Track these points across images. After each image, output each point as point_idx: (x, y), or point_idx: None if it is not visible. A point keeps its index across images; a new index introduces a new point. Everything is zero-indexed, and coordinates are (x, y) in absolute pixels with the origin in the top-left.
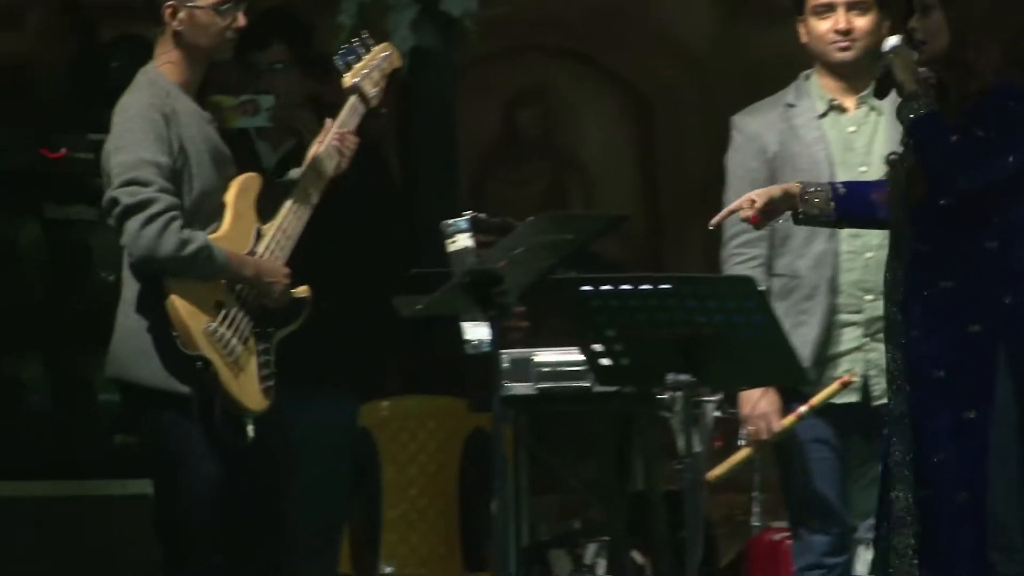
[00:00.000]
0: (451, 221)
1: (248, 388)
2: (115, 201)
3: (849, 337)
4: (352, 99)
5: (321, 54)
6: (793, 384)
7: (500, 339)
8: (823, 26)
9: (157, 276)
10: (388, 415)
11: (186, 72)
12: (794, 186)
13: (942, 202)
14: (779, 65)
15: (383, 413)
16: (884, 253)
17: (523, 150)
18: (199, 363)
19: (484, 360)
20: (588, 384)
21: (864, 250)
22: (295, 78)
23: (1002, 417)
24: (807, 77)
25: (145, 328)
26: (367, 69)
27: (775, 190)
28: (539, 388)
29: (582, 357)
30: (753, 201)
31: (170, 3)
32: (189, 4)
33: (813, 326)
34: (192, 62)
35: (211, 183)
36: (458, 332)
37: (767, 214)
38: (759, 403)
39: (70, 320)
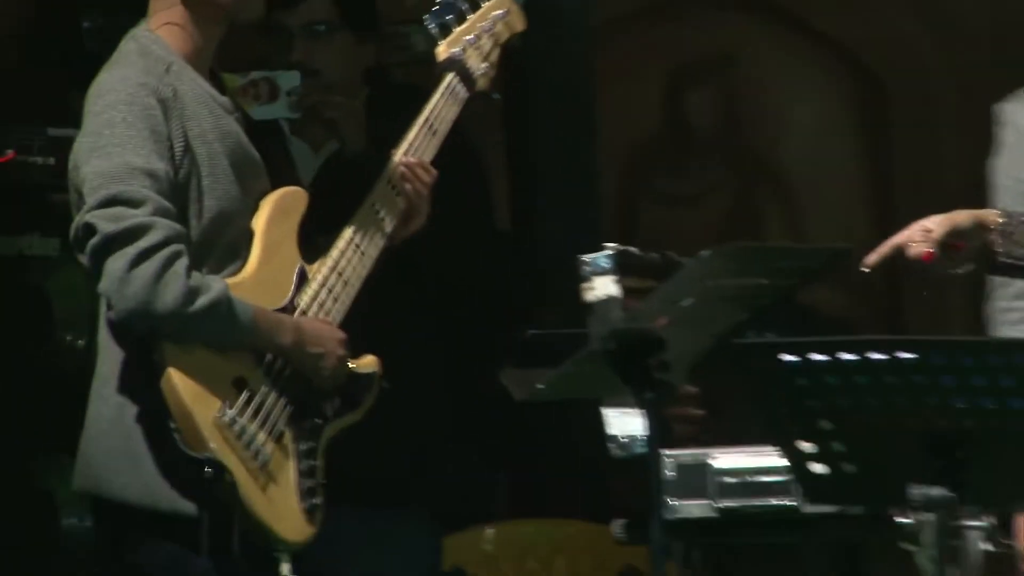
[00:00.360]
0: (588, 258)
1: (282, 508)
2: (90, 228)
3: None
4: (449, 78)
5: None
6: None
7: (662, 435)
8: None
9: (149, 341)
10: (493, 548)
11: (195, 37)
12: (991, 215)
13: None
14: None
15: (486, 546)
16: None
17: (694, 151)
18: (208, 470)
19: (637, 466)
20: (793, 502)
21: None
22: (342, 45)
23: None
24: None
25: (131, 418)
26: (472, 35)
27: (962, 217)
28: (719, 507)
29: (784, 462)
30: (928, 231)
31: None
32: None
33: None
34: (204, 23)
35: (232, 201)
36: (598, 424)
37: (950, 251)
38: None
39: (19, 403)
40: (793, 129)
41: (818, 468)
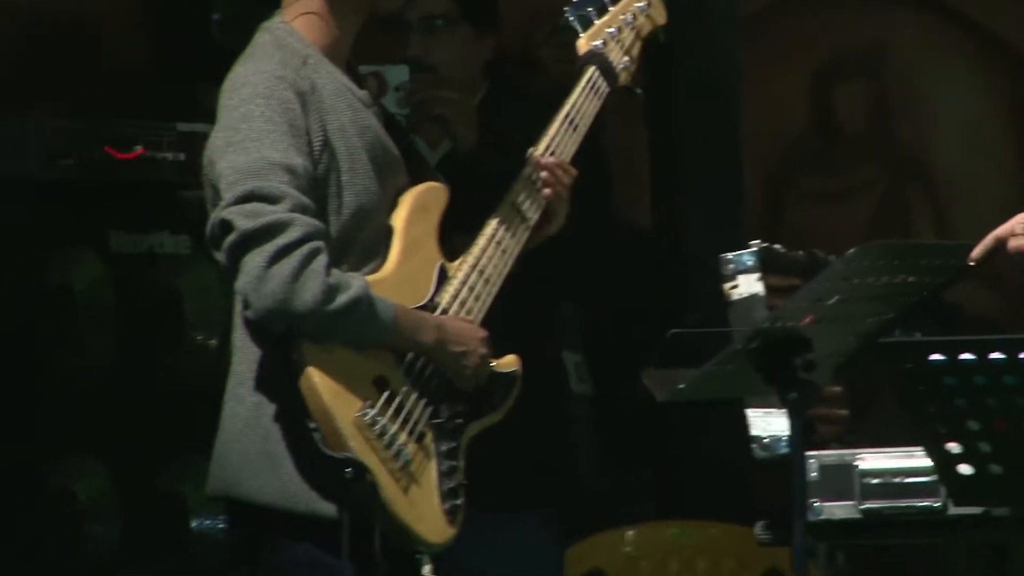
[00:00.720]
0: (731, 256)
1: (424, 509)
2: (227, 225)
3: None
4: (590, 72)
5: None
6: None
7: (806, 435)
8: None
9: (288, 340)
10: (634, 551)
11: (333, 29)
12: None
13: None
14: None
15: (626, 548)
16: None
17: (842, 147)
18: (349, 470)
19: (780, 467)
20: (940, 503)
21: None
22: (460, 40)
23: None
24: None
25: (268, 418)
26: (614, 27)
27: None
28: (864, 509)
29: (930, 463)
30: None
31: None
32: None
33: None
34: (343, 14)
35: (372, 197)
36: (741, 425)
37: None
38: None
39: (147, 405)
40: (945, 124)
41: (965, 469)
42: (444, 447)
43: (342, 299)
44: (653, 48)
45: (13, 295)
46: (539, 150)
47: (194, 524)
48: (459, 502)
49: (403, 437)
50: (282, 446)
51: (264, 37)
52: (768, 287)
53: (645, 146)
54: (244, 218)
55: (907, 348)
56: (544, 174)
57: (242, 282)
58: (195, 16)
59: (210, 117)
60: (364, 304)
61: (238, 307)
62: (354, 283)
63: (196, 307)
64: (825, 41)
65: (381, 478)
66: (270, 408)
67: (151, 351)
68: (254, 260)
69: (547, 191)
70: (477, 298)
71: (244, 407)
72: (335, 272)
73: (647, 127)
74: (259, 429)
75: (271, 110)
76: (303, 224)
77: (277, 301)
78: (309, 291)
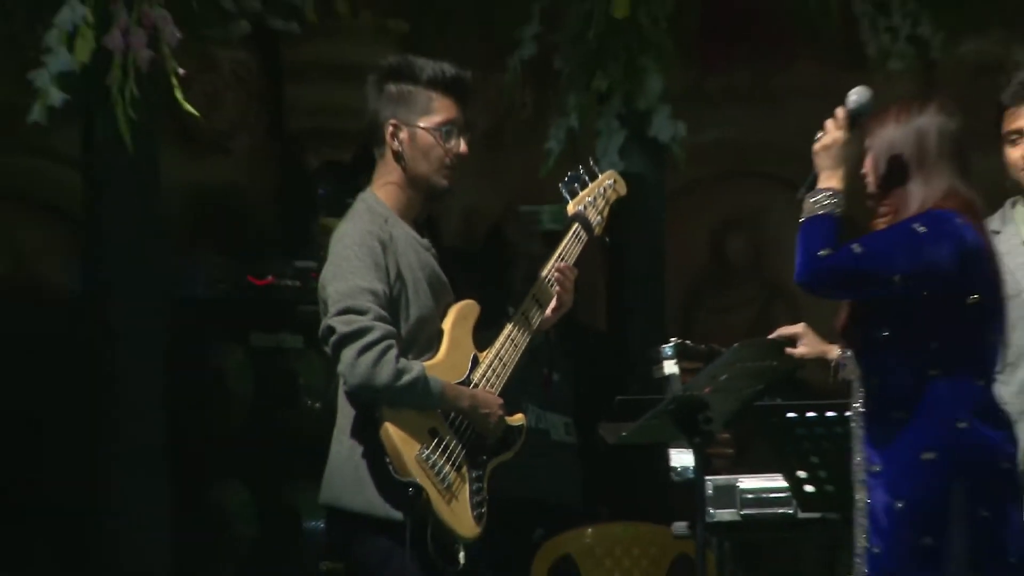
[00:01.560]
0: (659, 348)
1: (461, 514)
2: (331, 329)
3: None
4: (575, 226)
5: None
6: None
7: (705, 466)
8: (1014, 154)
9: (372, 405)
10: (592, 542)
11: (404, 198)
12: (833, 354)
13: (879, 334)
14: (988, 190)
15: (587, 540)
16: None
17: (732, 277)
18: (411, 490)
19: (688, 487)
20: (792, 511)
21: None
22: None
23: (959, 542)
24: (1013, 204)
25: (359, 455)
26: (591, 197)
27: (814, 351)
28: (743, 515)
29: (786, 483)
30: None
31: (392, 120)
32: (411, 124)
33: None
34: (411, 187)
35: (428, 310)
36: (664, 459)
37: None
38: None
39: (276, 447)
40: None
41: (809, 488)
42: (474, 474)
43: (407, 378)
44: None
45: (188, 374)
46: (551, 262)
47: (304, 525)
48: (484, 510)
49: (447, 468)
50: (367, 473)
51: (360, 204)
52: (681, 369)
53: (603, 276)
54: (342, 324)
55: (772, 409)
56: (557, 274)
57: (341, 367)
58: (308, 190)
59: (315, 254)
60: (422, 382)
61: (340, 384)
62: (415, 367)
63: (308, 383)
64: (722, 206)
65: (432, 495)
66: (359, 449)
67: (278, 411)
68: (348, 353)
69: (557, 288)
70: (498, 377)
71: (343, 448)
72: (403, 360)
73: (605, 264)
74: (352, 461)
75: (362, 253)
76: (381, 329)
77: (364, 380)
78: (385, 372)
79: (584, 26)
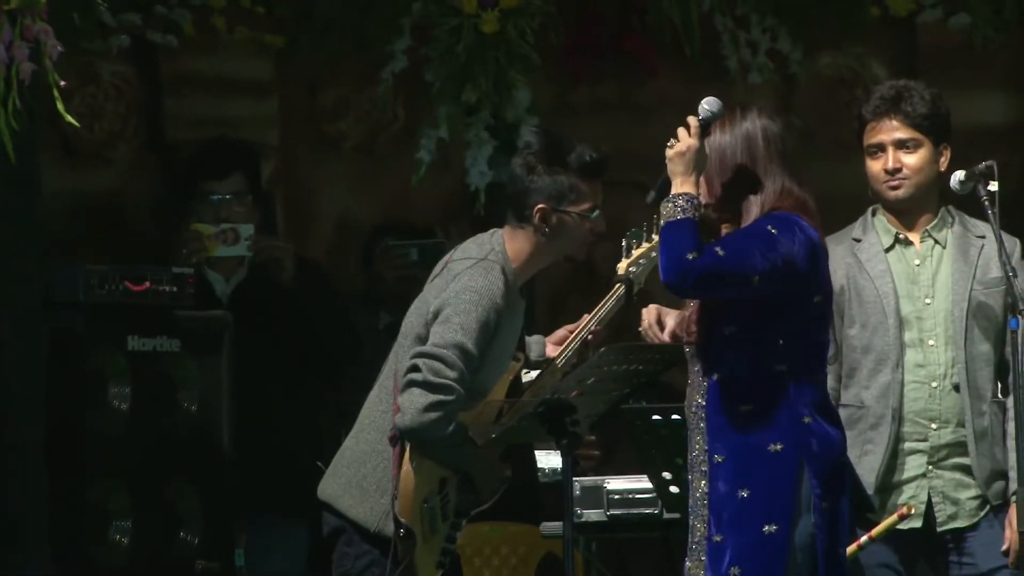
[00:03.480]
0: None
1: (428, 562)
2: (416, 368)
3: (913, 464)
4: (618, 287)
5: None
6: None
7: (572, 467)
8: (876, 166)
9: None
10: (462, 541)
11: (529, 266)
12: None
13: (727, 330)
14: (848, 198)
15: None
16: (949, 383)
17: (597, 283)
18: (403, 531)
19: (556, 487)
20: (657, 511)
21: (929, 379)
22: (249, 208)
23: (802, 530)
24: (874, 212)
25: (373, 470)
26: (644, 260)
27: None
28: (610, 515)
29: (651, 484)
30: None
31: (542, 205)
32: (562, 208)
33: (878, 454)
34: (541, 259)
35: (499, 373)
36: (532, 460)
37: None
38: None
39: (154, 448)
40: None
41: (674, 488)
42: (452, 530)
43: (457, 439)
44: (475, 218)
45: (65, 378)
46: (587, 323)
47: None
48: (447, 559)
49: (439, 520)
50: (373, 488)
51: (495, 261)
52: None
53: None
54: (428, 371)
55: (638, 411)
56: (591, 337)
57: (405, 404)
58: (181, 201)
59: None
60: (467, 446)
61: (379, 387)
62: (464, 430)
63: (184, 386)
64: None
65: (418, 541)
66: (377, 465)
67: (155, 414)
68: (421, 400)
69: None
70: None
71: (361, 456)
72: (457, 423)
73: None
74: (363, 469)
75: (480, 315)
76: (458, 392)
77: (422, 429)
78: (441, 430)
79: (454, 40)
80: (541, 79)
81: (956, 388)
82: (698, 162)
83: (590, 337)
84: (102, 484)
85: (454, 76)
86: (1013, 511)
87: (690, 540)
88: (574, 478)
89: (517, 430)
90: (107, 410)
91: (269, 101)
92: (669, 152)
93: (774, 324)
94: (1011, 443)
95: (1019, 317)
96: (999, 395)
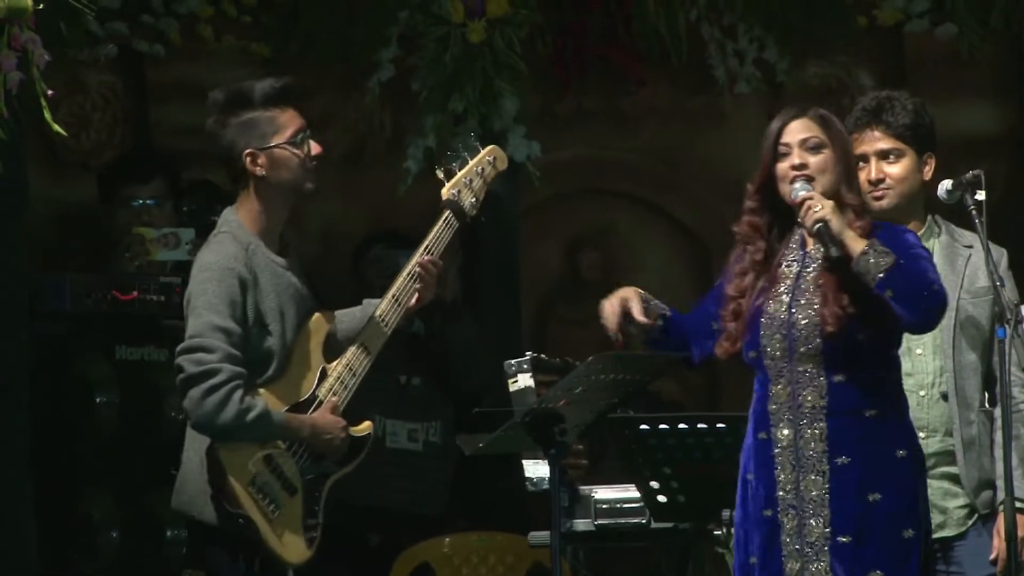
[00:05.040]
0: (513, 361)
1: (291, 541)
2: (180, 368)
3: None
4: (447, 214)
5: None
6: None
7: (560, 476)
8: (860, 177)
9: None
10: (449, 551)
11: (268, 221)
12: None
13: (860, 337)
14: None
15: (444, 549)
16: (937, 392)
17: (584, 291)
18: (240, 520)
19: (544, 497)
20: (645, 521)
21: (917, 388)
22: (169, 213)
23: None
24: None
25: (198, 471)
26: (468, 178)
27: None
28: (597, 524)
29: (639, 494)
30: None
31: (248, 150)
32: (266, 146)
33: None
34: (275, 207)
35: (292, 334)
36: (519, 469)
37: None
38: None
39: (141, 457)
40: (649, 278)
41: (661, 498)
42: (309, 495)
43: (251, 416)
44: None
45: (53, 384)
46: (416, 255)
47: (169, 533)
48: (316, 534)
49: (281, 492)
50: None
51: (224, 230)
52: (537, 382)
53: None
54: (191, 365)
55: (625, 421)
56: (419, 270)
57: (186, 404)
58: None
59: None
60: (265, 418)
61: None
62: (258, 404)
63: (171, 395)
64: (574, 223)
65: (261, 525)
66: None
67: (142, 422)
68: (195, 393)
69: (419, 284)
70: (346, 388)
71: (192, 461)
72: (247, 399)
73: (460, 280)
74: (200, 474)
75: (220, 290)
76: (228, 370)
77: (208, 419)
78: (229, 413)
79: (441, 50)
80: (528, 88)
81: (944, 397)
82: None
83: (418, 269)
84: (89, 493)
85: (441, 85)
86: (1001, 520)
87: (792, 540)
88: (562, 488)
89: (505, 439)
90: (94, 419)
91: None
92: (819, 215)
93: (892, 336)
94: (999, 452)
95: (1006, 326)
96: (987, 404)
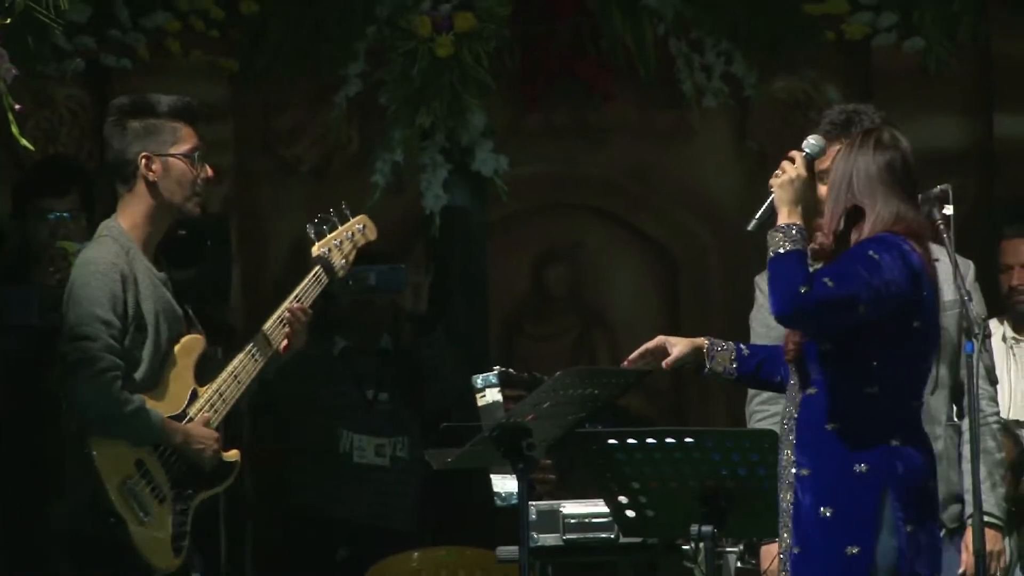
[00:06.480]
0: (481, 376)
1: (160, 547)
2: (64, 355)
3: None
4: (316, 269)
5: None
6: None
7: (528, 491)
8: (823, 190)
9: (81, 435)
10: (418, 566)
11: (148, 230)
12: (702, 341)
13: (823, 348)
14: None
15: (413, 564)
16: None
17: (552, 306)
18: (112, 519)
19: (511, 512)
20: (614, 535)
21: None
22: (83, 226)
23: (884, 552)
24: None
25: (70, 479)
26: (338, 240)
27: (686, 345)
28: (566, 539)
29: (608, 509)
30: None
31: (144, 153)
32: (163, 153)
33: None
34: (157, 218)
35: (162, 344)
36: (487, 484)
37: (676, 362)
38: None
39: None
40: (616, 292)
41: (630, 513)
42: (179, 507)
43: (128, 408)
44: (429, 240)
45: (18, 395)
46: (286, 302)
47: None
48: (185, 543)
49: (150, 499)
50: (85, 495)
51: (104, 232)
52: (505, 396)
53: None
54: (74, 351)
55: (593, 435)
56: (288, 315)
57: (70, 391)
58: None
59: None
60: (143, 414)
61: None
62: (136, 399)
63: None
64: (542, 238)
65: (132, 527)
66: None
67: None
68: (77, 378)
69: (287, 329)
70: (216, 412)
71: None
72: (125, 392)
73: (427, 294)
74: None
75: (103, 283)
76: (108, 359)
77: (85, 405)
78: (106, 400)
79: (408, 64)
80: (496, 103)
81: None
82: (804, 193)
83: (287, 315)
84: (58, 506)
85: (409, 100)
86: (969, 534)
87: (778, 549)
88: (530, 502)
89: (473, 454)
90: (61, 431)
91: (224, 124)
92: (775, 181)
93: (869, 346)
94: (966, 466)
95: (973, 340)
96: (954, 418)
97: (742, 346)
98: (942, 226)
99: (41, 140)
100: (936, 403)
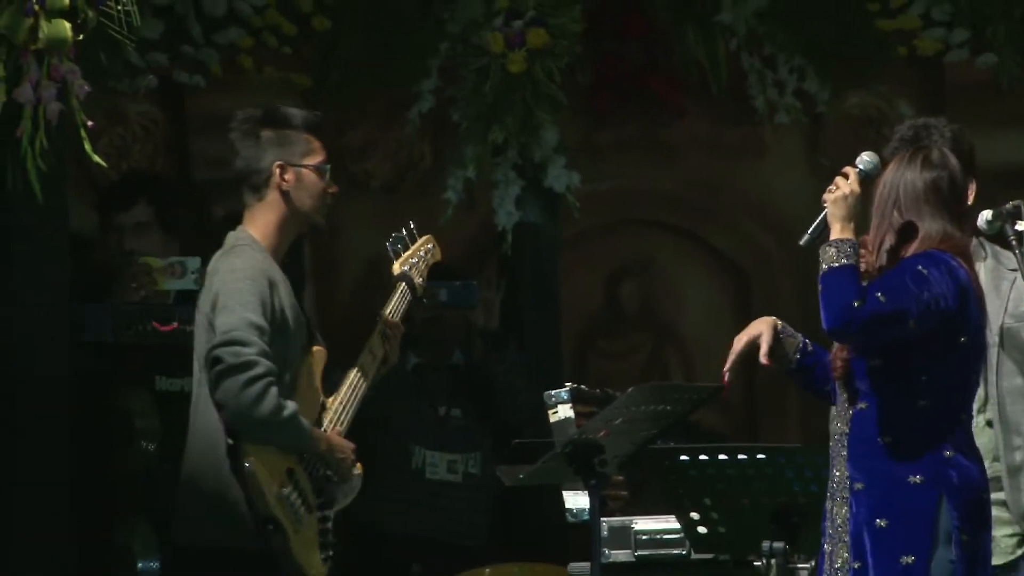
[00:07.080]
0: (553, 392)
1: (310, 556)
2: (218, 359)
3: None
4: (402, 286)
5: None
6: None
7: (600, 507)
8: None
9: (244, 436)
10: None
11: (278, 239)
12: (776, 320)
13: (873, 363)
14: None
15: None
16: (983, 419)
17: (624, 322)
18: (271, 526)
19: (584, 528)
20: (685, 552)
21: None
22: (155, 239)
23: (939, 562)
24: None
25: (218, 489)
26: (414, 259)
27: (768, 329)
28: (638, 555)
29: (679, 525)
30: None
31: (278, 162)
32: (297, 163)
33: None
34: (287, 228)
35: (296, 352)
36: (560, 501)
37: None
38: None
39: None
40: (688, 308)
41: (702, 529)
42: (321, 515)
43: (286, 414)
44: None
45: (95, 417)
46: (386, 315)
47: (140, 565)
48: (331, 552)
49: (302, 509)
50: (228, 508)
51: (239, 242)
52: (577, 413)
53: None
54: (229, 356)
55: (666, 452)
56: (385, 328)
57: (222, 397)
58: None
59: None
60: (297, 420)
61: (193, 417)
62: (291, 405)
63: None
64: (614, 254)
65: (289, 534)
66: (219, 484)
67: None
68: (232, 384)
69: (385, 344)
70: (342, 423)
71: (200, 482)
72: (280, 399)
73: (500, 311)
74: (210, 496)
75: (253, 288)
76: (265, 364)
77: (247, 411)
78: (268, 406)
79: (481, 80)
80: (568, 119)
81: (990, 424)
82: (857, 209)
83: (384, 327)
84: (129, 524)
85: (481, 116)
86: None
87: (828, 566)
88: (602, 518)
89: (545, 471)
90: (135, 450)
91: None
92: (829, 197)
93: (918, 360)
94: None
95: None
96: None
97: (807, 341)
98: (1015, 242)
99: (114, 157)
100: (1014, 414)
